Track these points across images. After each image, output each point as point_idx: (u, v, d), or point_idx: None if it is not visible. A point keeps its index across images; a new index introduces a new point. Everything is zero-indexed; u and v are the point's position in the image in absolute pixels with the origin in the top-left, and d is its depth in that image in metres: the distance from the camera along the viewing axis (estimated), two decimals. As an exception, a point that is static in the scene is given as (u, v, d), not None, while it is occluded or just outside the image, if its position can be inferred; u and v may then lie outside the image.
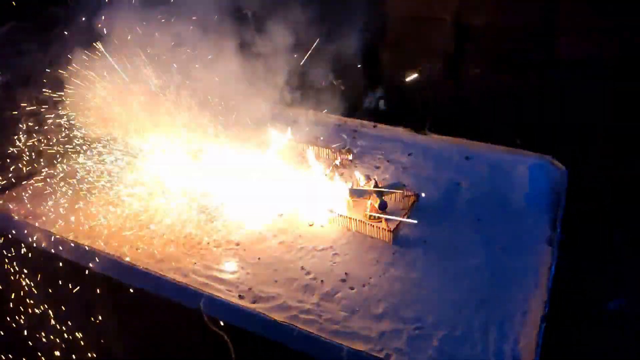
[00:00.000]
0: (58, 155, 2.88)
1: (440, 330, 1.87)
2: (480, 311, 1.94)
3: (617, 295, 2.44)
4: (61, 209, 2.63)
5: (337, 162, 2.80)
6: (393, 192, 2.52)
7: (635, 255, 2.60)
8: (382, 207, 2.39)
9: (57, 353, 2.36)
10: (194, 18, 2.93)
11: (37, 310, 2.45)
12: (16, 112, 2.94)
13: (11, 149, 2.86)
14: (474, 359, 1.77)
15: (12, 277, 2.51)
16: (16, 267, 2.52)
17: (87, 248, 2.32)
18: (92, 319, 2.35)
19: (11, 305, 2.47)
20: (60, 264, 2.38)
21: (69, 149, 2.90)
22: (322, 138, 3.06)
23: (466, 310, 1.95)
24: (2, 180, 2.78)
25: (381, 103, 3.42)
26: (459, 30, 3.74)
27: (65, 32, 2.94)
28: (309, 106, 3.27)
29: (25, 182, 2.81)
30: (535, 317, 1.87)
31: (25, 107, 2.94)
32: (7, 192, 2.77)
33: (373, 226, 2.34)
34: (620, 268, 2.57)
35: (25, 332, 2.42)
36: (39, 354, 2.37)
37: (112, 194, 2.69)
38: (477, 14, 3.66)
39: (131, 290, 2.19)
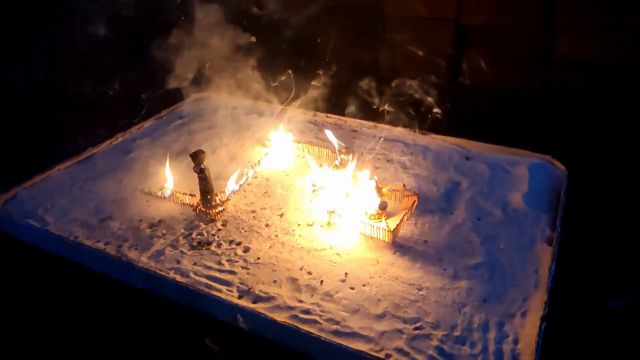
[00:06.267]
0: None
1: (440, 330, 1.87)
2: (480, 311, 1.94)
3: (617, 295, 2.44)
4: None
5: (337, 162, 2.79)
6: (393, 192, 2.53)
7: (636, 255, 2.60)
8: (382, 207, 2.39)
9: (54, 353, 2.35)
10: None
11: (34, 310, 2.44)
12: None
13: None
14: (474, 359, 1.77)
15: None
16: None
17: (86, 246, 2.31)
18: (91, 319, 2.35)
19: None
20: (59, 263, 2.38)
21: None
22: (321, 138, 3.06)
23: (466, 310, 1.95)
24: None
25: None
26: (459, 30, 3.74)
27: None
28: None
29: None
30: (535, 317, 1.87)
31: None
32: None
33: (373, 226, 2.34)
34: (620, 268, 2.57)
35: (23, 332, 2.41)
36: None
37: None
38: (477, 14, 3.66)
39: (130, 290, 2.19)
